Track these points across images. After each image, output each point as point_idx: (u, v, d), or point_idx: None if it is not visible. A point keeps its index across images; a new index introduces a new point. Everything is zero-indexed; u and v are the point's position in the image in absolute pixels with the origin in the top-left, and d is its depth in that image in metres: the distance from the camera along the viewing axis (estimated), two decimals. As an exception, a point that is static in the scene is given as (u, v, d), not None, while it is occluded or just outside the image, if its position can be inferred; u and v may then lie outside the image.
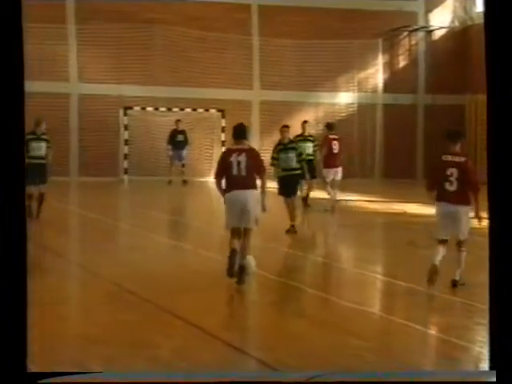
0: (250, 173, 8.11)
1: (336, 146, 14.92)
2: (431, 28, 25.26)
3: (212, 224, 12.81)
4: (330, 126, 15.54)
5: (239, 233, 8.12)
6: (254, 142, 21.70)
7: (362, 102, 25.02)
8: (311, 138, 15.90)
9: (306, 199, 15.06)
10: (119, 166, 22.82)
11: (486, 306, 4.12)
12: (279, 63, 24.25)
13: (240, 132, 8.31)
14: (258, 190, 8.22)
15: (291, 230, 11.60)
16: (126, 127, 22.65)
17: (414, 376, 4.54)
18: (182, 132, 21.61)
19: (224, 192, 8.14)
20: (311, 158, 15.19)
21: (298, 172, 12.36)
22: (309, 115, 24.58)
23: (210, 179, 22.88)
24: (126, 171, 22.59)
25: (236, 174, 8.07)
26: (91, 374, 4.68)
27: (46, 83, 21.55)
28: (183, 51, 23.37)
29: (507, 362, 3.81)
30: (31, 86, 25.62)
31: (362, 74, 25.05)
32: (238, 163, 8.08)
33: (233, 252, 8.03)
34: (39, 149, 13.10)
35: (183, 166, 21.49)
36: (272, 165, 12.20)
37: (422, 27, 25.20)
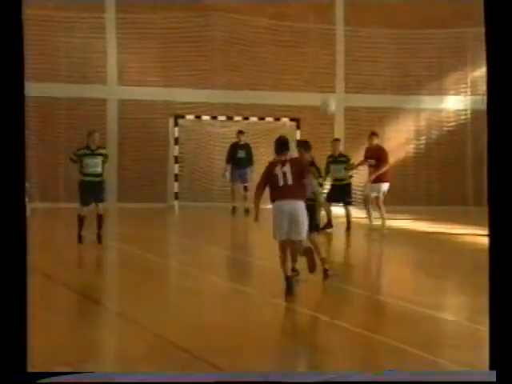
0: (297, 182, 9.75)
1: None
2: None
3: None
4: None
5: (288, 247, 9.94)
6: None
7: (476, 107, 24.52)
8: (343, 159, 17.48)
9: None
10: (168, 190, 22.91)
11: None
12: (369, 60, 24.06)
13: (283, 145, 10.04)
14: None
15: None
16: (176, 141, 22.77)
17: (413, 376, 5.27)
18: (245, 147, 21.33)
19: (258, 207, 10.07)
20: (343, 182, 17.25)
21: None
22: (407, 124, 24.30)
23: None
24: (176, 196, 22.67)
25: (282, 185, 9.72)
26: (91, 374, 5.41)
27: (78, 86, 21.88)
28: (248, 46, 23.44)
29: (507, 362, 4.42)
30: (58, 89, 26.38)
31: (477, 73, 24.58)
32: (284, 174, 9.74)
33: (288, 278, 9.85)
34: (95, 165, 14.41)
35: (246, 189, 20.87)
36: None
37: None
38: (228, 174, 21.18)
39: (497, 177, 4.51)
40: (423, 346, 7.62)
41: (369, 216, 16.80)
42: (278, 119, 23.27)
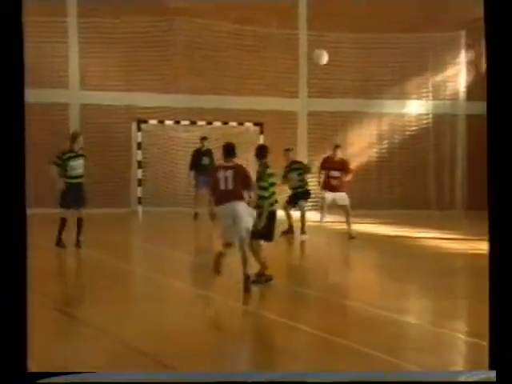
0: (236, 187, 10.61)
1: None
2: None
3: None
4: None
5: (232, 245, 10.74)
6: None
7: (438, 111, 24.74)
8: (297, 166, 17.67)
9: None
10: (131, 195, 22.81)
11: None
12: (332, 64, 24.11)
13: (229, 151, 10.93)
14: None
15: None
16: (139, 145, 22.68)
17: (413, 376, 5.42)
18: (209, 152, 21.18)
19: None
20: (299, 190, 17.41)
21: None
22: (369, 128, 24.44)
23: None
24: (139, 201, 22.57)
25: (223, 189, 10.64)
26: (91, 374, 5.46)
27: (40, 91, 21.69)
28: (211, 50, 23.42)
29: (507, 362, 4.46)
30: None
31: (439, 77, 24.79)
32: (225, 178, 10.65)
33: (220, 253, 10.79)
34: (78, 167, 14.64)
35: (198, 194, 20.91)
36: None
37: (516, 16, 24.93)
38: (192, 180, 21.16)
39: (496, 180, 4.53)
40: (386, 349, 7.66)
41: (321, 220, 17.26)
42: (241, 124, 23.27)
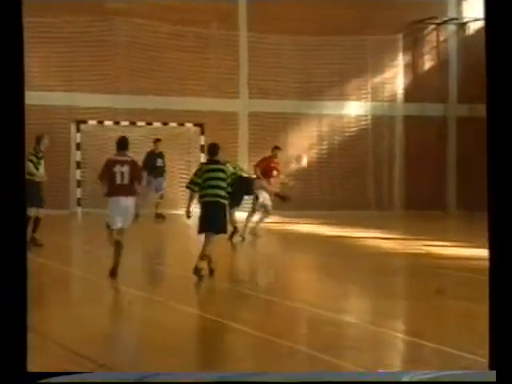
0: (131, 182, 11.54)
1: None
2: (465, 20, 25.37)
3: (188, 270, 12.75)
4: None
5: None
6: (242, 162, 21.58)
7: (376, 113, 25.01)
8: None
9: None
10: (70, 196, 22.58)
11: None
12: (273, 66, 24.24)
13: (122, 144, 11.77)
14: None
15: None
16: (78, 146, 22.48)
17: (413, 376, 5.26)
18: (162, 155, 21.56)
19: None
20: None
21: None
22: (309, 130, 24.59)
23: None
24: (78, 202, 22.37)
25: (119, 183, 11.48)
26: (91, 374, 5.56)
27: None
28: (152, 51, 23.32)
29: (507, 362, 4.44)
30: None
31: (378, 79, 25.07)
32: (122, 173, 11.46)
33: (118, 244, 11.76)
34: (41, 167, 14.99)
35: (162, 197, 21.51)
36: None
37: (453, 19, 25.30)
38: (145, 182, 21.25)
39: (496, 182, 4.54)
40: (325, 348, 7.71)
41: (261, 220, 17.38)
42: (182, 124, 23.22)
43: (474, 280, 12.24)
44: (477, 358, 7.24)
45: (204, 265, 11.77)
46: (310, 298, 10.94)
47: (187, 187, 12.30)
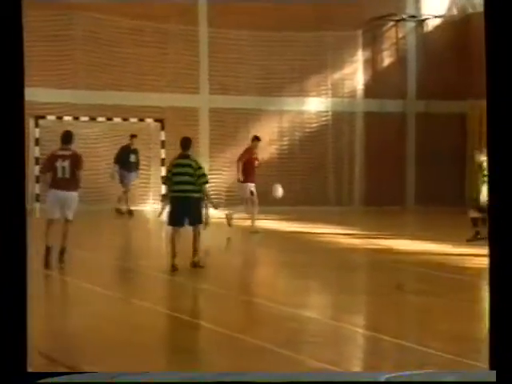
0: (72, 175, 12.09)
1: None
2: (423, 17, 25.55)
3: (151, 267, 12.73)
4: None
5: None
6: (203, 158, 21.53)
7: (336, 109, 25.08)
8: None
9: None
10: (29, 192, 22.34)
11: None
12: (233, 61, 24.21)
13: (66, 137, 12.50)
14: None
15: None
16: (37, 142, 22.24)
17: (413, 376, 5.33)
18: (136, 151, 21.80)
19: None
20: None
21: None
22: (270, 126, 24.61)
23: (147, 207, 22.97)
24: (37, 198, 22.14)
25: (60, 177, 12.02)
26: (91, 374, 5.54)
27: None
28: (111, 46, 23.16)
29: (507, 362, 4.41)
30: None
31: (337, 75, 25.14)
32: (63, 168, 12.00)
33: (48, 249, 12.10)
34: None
35: (126, 192, 21.66)
36: None
37: (412, 16, 25.47)
38: (117, 176, 21.33)
39: (497, 184, 4.51)
40: (285, 344, 7.73)
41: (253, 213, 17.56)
42: (142, 120, 23.08)
43: (430, 275, 12.36)
44: (433, 352, 7.31)
45: (198, 259, 12.29)
46: (272, 293, 10.94)
47: (163, 183, 12.75)
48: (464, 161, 24.44)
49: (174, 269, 11.90)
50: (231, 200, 23.73)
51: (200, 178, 12.13)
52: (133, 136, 21.74)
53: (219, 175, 23.56)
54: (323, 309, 10.23)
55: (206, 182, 12.41)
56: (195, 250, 12.21)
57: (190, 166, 12.09)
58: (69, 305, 10.42)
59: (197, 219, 12.20)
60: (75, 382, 5.06)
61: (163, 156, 22.47)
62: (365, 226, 20.06)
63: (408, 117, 25.62)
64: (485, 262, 7.22)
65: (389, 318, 9.50)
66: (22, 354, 4.52)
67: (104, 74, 23.07)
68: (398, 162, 25.27)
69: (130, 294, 10.74)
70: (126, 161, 21.42)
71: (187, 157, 12.25)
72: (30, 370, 4.81)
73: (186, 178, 12.04)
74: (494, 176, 4.53)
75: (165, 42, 23.68)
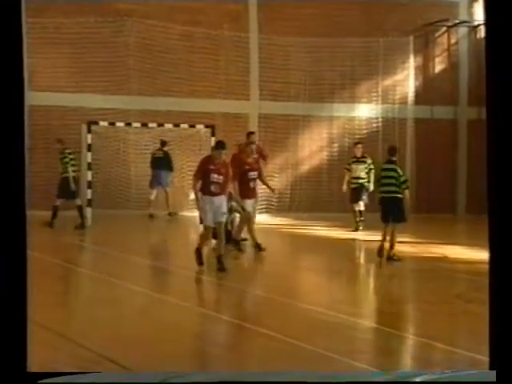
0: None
1: None
2: (476, 23, 25.37)
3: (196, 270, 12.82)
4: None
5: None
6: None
7: (387, 115, 25.01)
8: (365, 160, 19.82)
9: None
10: (81, 197, 22.60)
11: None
12: (283, 67, 24.28)
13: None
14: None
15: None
16: (89, 147, 22.50)
17: (413, 376, 5.39)
18: (163, 150, 22.27)
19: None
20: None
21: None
22: (320, 132, 24.62)
23: (195, 214, 23.08)
24: (89, 203, 22.40)
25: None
26: (91, 374, 5.57)
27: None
28: (163, 52, 23.38)
29: (507, 362, 4.49)
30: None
31: (388, 81, 25.07)
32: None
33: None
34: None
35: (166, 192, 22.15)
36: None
37: (465, 21, 25.30)
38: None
39: (497, 185, 4.65)
40: (348, 352, 7.69)
41: None
42: (193, 126, 23.22)
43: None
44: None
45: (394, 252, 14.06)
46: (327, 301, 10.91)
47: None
48: (517, 168, 24.18)
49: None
50: (282, 206, 23.83)
51: (403, 183, 14.03)
52: (163, 143, 22.53)
53: (270, 181, 23.59)
54: (383, 317, 10.18)
55: (407, 188, 14.07)
56: (392, 245, 14.03)
57: (395, 170, 14.05)
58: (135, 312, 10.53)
59: (401, 218, 14.08)
60: (75, 382, 5.11)
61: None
62: (418, 234, 19.93)
63: (459, 124, 25.45)
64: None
65: (450, 327, 9.43)
66: (21, 354, 4.56)
67: (156, 80, 23.30)
68: (449, 169, 25.12)
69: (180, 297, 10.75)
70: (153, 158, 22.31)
71: (393, 162, 14.24)
72: (29, 370, 4.85)
73: (393, 181, 13.95)
74: (494, 177, 4.67)
75: (216, 49, 23.85)
